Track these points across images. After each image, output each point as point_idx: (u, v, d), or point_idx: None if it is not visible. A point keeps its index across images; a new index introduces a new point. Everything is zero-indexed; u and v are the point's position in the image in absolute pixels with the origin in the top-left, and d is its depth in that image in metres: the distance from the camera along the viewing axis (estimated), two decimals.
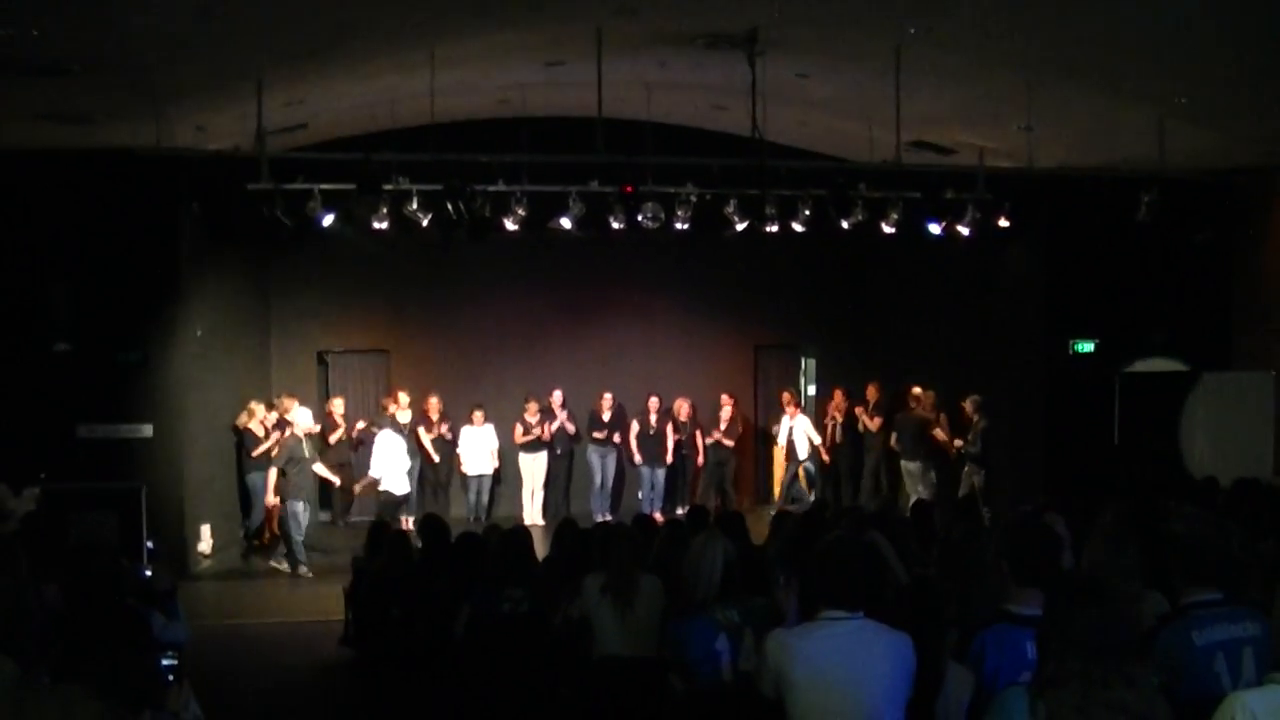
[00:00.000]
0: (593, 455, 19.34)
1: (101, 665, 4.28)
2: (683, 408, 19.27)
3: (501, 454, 19.10)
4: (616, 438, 19.22)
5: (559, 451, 19.32)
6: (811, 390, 21.11)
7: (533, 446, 19.05)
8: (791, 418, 19.05)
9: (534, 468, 19.15)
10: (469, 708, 8.16)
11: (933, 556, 8.40)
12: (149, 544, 12.88)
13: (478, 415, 18.84)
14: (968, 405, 17.30)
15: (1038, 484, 15.93)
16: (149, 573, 9.85)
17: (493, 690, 7.80)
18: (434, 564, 10.01)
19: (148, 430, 14.79)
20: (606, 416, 19.22)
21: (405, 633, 9.81)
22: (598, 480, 19.30)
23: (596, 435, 19.22)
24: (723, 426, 18.99)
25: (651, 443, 19.14)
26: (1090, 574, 6.04)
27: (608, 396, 19.14)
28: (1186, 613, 5.22)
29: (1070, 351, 17.00)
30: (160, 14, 9.79)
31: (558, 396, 19.19)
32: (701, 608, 6.47)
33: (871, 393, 18.82)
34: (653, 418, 19.18)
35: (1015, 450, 17.25)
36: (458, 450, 18.95)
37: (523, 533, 9.09)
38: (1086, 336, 16.95)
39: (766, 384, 20.75)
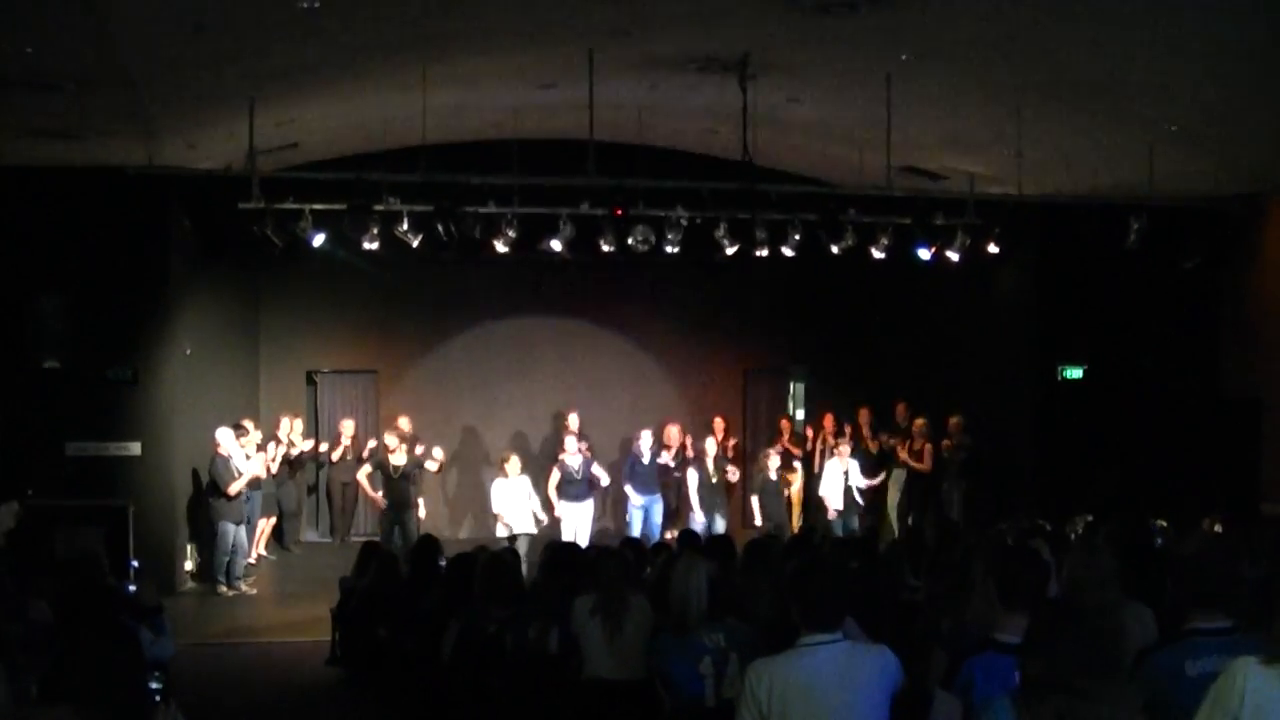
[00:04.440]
0: (635, 505, 17.11)
1: (91, 681, 4.27)
2: (671, 433, 17.85)
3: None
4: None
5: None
6: (800, 414, 21.09)
7: (577, 494, 16.64)
8: (842, 459, 17.31)
9: (578, 518, 16.65)
10: None
11: (922, 580, 8.43)
12: (134, 561, 12.89)
13: (511, 465, 16.01)
14: (952, 425, 17.36)
15: (1025, 509, 15.93)
16: (132, 588, 9.85)
17: (479, 711, 7.78)
18: (422, 584, 10.00)
19: (136, 448, 14.77)
20: (646, 459, 17.15)
21: (392, 652, 9.79)
22: (637, 531, 16.55)
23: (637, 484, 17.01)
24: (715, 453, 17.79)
25: (713, 491, 16.98)
26: (1070, 595, 6.02)
27: (646, 434, 17.30)
28: (1185, 639, 5.09)
29: (1059, 377, 17.04)
30: (153, 32, 9.80)
31: (574, 421, 17.89)
32: (688, 630, 6.47)
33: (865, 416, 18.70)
34: (710, 463, 17.02)
35: (1003, 475, 17.26)
36: (495, 510, 16.03)
37: (511, 554, 9.08)
38: (1075, 362, 17.00)
39: (756, 408, 20.72)
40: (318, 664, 11.82)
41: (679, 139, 17.07)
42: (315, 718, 10.76)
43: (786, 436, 18.70)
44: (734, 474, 17.72)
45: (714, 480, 16.98)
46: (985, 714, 4.33)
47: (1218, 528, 11.96)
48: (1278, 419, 15.61)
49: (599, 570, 7.62)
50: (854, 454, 17.43)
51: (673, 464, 17.47)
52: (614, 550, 8.91)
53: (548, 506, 16.53)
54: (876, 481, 17.92)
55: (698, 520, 16.53)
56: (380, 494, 16.57)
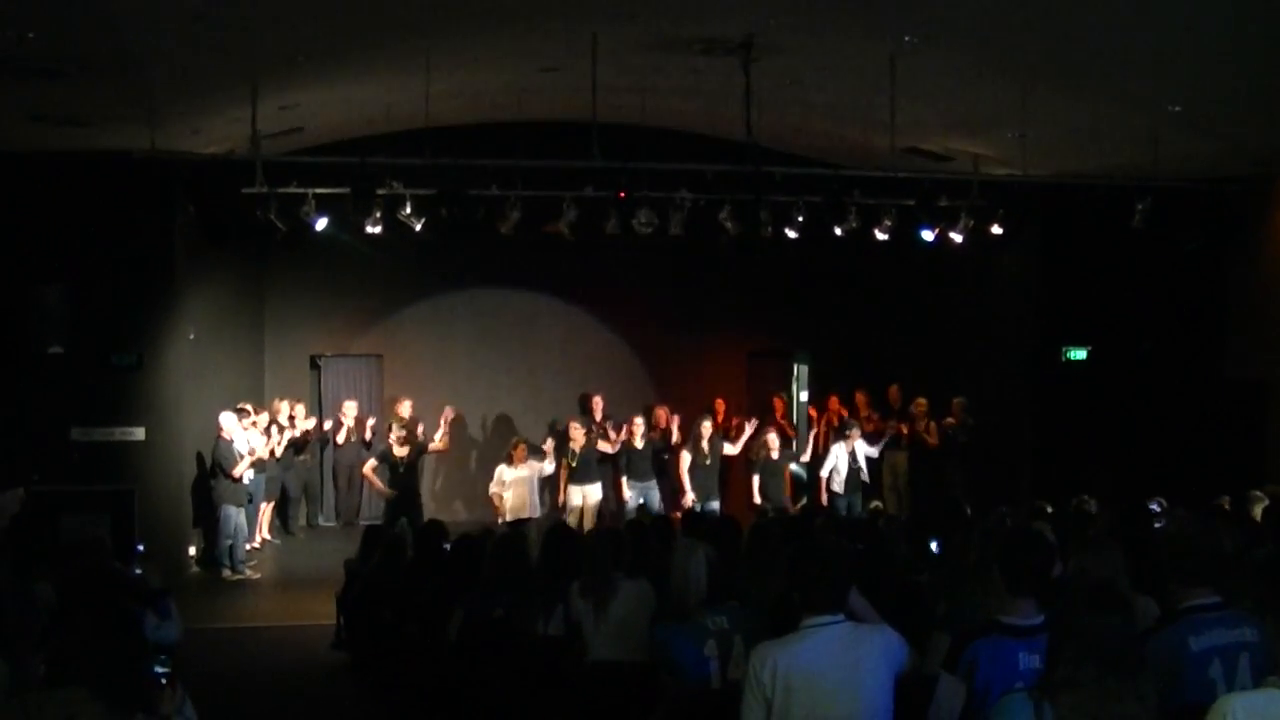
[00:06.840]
0: (629, 493, 16.73)
1: (95, 665, 4.27)
2: (663, 417, 17.82)
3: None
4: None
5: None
6: (804, 396, 21.07)
7: (584, 477, 16.45)
8: (849, 444, 17.08)
9: (585, 501, 16.39)
10: (460, 712, 8.15)
11: (927, 562, 8.42)
12: (139, 546, 12.91)
13: (519, 452, 15.76)
14: (955, 406, 17.34)
15: (1027, 491, 15.93)
16: (139, 571, 9.87)
17: (484, 695, 7.80)
18: (426, 568, 10.01)
19: (140, 433, 14.76)
20: (640, 445, 16.69)
21: (397, 636, 9.81)
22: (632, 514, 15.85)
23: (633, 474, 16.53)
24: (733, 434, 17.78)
25: (708, 473, 16.58)
26: (1107, 581, 6.02)
27: (639, 422, 16.91)
28: (1183, 616, 5.18)
29: (1062, 359, 17.02)
30: (156, 17, 9.79)
31: (599, 405, 17.78)
32: (690, 614, 6.48)
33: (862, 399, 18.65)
34: (705, 445, 16.49)
35: (1005, 457, 17.25)
36: (496, 493, 15.80)
37: (518, 538, 9.08)
38: (1079, 344, 16.97)
39: (760, 391, 20.66)
40: (323, 648, 11.83)
41: (682, 121, 17.04)
42: (320, 702, 10.77)
43: (780, 414, 18.60)
44: (731, 448, 17.33)
45: (707, 462, 16.55)
46: (1002, 711, 4.32)
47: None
48: None
49: (589, 553, 7.67)
50: (862, 435, 17.36)
51: (671, 444, 17.30)
52: (607, 532, 8.91)
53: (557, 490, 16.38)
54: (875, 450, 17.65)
55: (689, 502, 16.19)
56: (386, 486, 16.10)
